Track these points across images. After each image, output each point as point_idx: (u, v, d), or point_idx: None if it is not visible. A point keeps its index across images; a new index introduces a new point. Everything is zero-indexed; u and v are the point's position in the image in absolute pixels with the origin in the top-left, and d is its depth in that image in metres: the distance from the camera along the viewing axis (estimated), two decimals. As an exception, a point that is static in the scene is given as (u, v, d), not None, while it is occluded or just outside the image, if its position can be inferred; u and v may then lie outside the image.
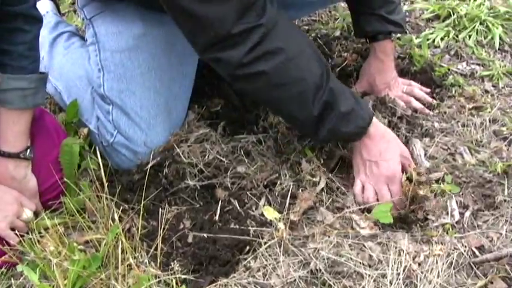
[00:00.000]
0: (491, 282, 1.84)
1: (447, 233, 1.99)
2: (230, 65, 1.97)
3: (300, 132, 2.31)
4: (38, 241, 1.94)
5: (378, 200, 2.13)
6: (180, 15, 1.95)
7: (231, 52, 1.93)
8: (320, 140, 2.18)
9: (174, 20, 1.99)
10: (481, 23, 3.06)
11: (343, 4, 3.12)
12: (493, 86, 2.71)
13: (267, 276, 1.88)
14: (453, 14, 3.12)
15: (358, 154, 2.18)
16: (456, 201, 2.09)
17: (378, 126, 2.16)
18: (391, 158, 2.15)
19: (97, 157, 2.09)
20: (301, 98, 2.02)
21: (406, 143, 2.30)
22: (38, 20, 2.07)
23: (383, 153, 2.14)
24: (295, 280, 1.86)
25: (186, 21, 1.96)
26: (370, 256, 1.91)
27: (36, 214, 2.08)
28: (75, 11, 3.31)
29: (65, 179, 2.12)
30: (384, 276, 1.86)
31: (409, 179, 2.12)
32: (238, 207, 2.08)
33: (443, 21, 3.14)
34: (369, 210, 2.10)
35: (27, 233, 2.00)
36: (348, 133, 2.10)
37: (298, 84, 2.00)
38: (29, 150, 2.07)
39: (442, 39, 3.01)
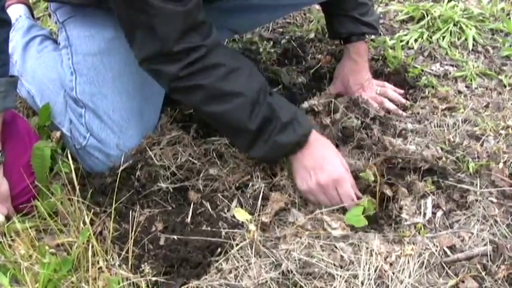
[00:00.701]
0: (463, 282, 1.85)
1: (419, 232, 1.99)
2: (166, 78, 2.02)
3: (236, 146, 2.26)
4: (9, 245, 1.93)
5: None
6: (132, 22, 1.99)
7: (169, 66, 1.98)
8: (255, 154, 2.12)
9: (124, 26, 2.04)
10: (454, 25, 3.08)
11: (317, 6, 3.14)
12: (466, 86, 2.73)
13: (238, 278, 1.88)
14: (427, 16, 3.14)
15: (299, 166, 2.12)
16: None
17: (317, 135, 2.13)
18: (335, 162, 2.11)
19: (69, 160, 2.09)
20: (238, 113, 2.02)
21: (379, 143, 2.30)
22: (6, 23, 2.05)
23: (327, 158, 2.10)
24: (266, 281, 1.85)
25: (136, 29, 2.00)
26: (342, 257, 1.91)
27: (8, 218, 2.07)
28: (50, 15, 3.29)
29: (37, 183, 2.12)
30: (355, 276, 1.86)
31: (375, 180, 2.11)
32: (210, 209, 2.08)
33: (417, 22, 3.17)
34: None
35: (-2, 237, 1.99)
36: (290, 143, 2.06)
37: (234, 98, 2.01)
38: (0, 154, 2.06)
39: (415, 40, 3.03)
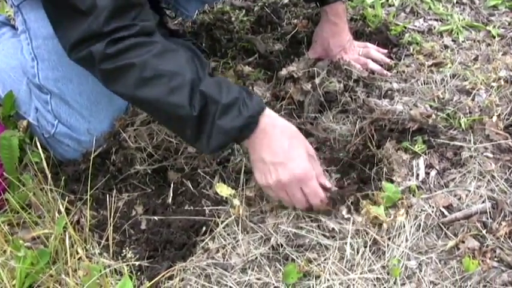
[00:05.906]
0: (463, 242, 1.86)
1: (413, 195, 2.00)
2: (94, 59, 1.87)
3: (186, 141, 2.16)
4: (-18, 243, 1.94)
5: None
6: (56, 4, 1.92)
7: (96, 45, 1.86)
8: (207, 146, 1.92)
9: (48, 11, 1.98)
10: (436, -23, 3.09)
11: (290, -31, 3.15)
12: (453, 40, 2.74)
13: (226, 257, 1.89)
14: (406, -30, 3.15)
15: (257, 158, 1.95)
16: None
17: (275, 119, 1.96)
18: (298, 155, 1.94)
19: (38, 149, 2.09)
20: (177, 96, 1.86)
21: (365, 105, 2.31)
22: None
23: (288, 151, 1.93)
24: (256, 258, 1.87)
25: (61, 10, 1.92)
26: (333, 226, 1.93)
27: (-22, 216, 2.07)
28: (5, 0, 3.29)
29: (6, 175, 2.12)
30: (349, 245, 1.88)
31: None
32: (192, 188, 2.10)
33: (396, -22, 3.17)
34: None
35: (-30, 235, 1.99)
36: (234, 127, 1.88)
37: (170, 79, 1.87)
38: (-36, 149, 2.05)
39: (396, -4, 3.04)
